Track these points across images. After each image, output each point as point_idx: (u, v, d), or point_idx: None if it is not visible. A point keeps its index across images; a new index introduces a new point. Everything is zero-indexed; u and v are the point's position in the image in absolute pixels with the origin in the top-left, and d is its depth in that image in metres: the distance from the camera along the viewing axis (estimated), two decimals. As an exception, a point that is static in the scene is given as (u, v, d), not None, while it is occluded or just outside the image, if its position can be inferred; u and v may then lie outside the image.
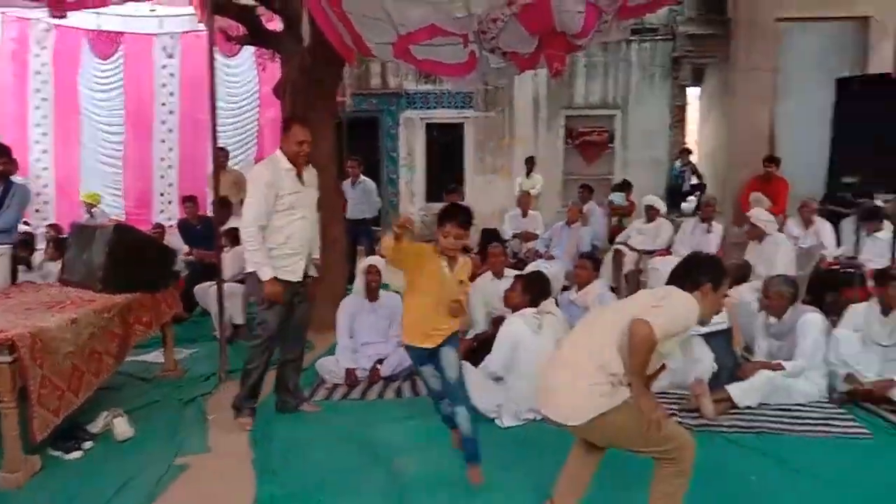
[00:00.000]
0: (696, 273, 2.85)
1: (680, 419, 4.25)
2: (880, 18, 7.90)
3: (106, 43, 10.47)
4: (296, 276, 4.20)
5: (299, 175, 4.15)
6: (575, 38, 5.41)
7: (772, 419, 4.27)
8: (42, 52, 10.44)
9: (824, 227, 6.98)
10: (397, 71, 12.26)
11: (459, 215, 3.38)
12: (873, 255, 6.33)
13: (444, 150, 12.84)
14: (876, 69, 7.80)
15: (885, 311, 4.63)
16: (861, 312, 4.79)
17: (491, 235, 8.32)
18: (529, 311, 4.40)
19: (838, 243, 6.94)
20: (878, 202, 6.55)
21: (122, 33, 10.33)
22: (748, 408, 4.40)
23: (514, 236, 8.68)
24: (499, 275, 5.85)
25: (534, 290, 4.49)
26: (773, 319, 4.82)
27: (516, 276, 4.92)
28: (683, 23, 11.51)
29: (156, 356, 5.63)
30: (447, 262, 3.41)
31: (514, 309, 4.56)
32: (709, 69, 14.16)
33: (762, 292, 4.90)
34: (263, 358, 4.26)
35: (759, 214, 6.49)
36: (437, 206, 11.79)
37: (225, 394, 4.90)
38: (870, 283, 5.58)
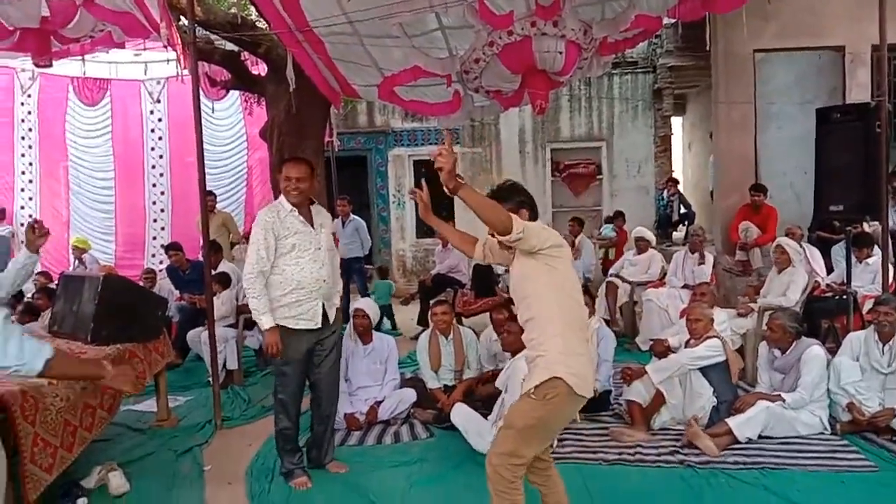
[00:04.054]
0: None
1: (683, 456, 4.22)
2: (852, 50, 8.07)
3: (92, 89, 10.55)
4: (313, 324, 3.95)
5: (305, 216, 3.98)
6: (556, 76, 5.49)
7: (775, 454, 4.23)
8: (27, 100, 10.48)
9: (814, 255, 7.02)
10: (384, 109, 12.35)
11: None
12: (864, 281, 6.36)
13: (434, 185, 12.80)
14: (855, 97, 7.94)
15: (884, 339, 4.63)
16: (860, 340, 4.79)
17: (483, 270, 8.32)
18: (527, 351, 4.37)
19: (828, 270, 6.98)
20: (867, 228, 6.60)
21: (108, 80, 10.39)
22: (750, 441, 4.38)
23: (507, 271, 8.66)
24: (445, 333, 5.45)
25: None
26: (777, 352, 4.82)
27: (508, 320, 4.91)
28: (663, 55, 11.71)
29: (149, 405, 5.53)
30: None
31: (514, 352, 4.52)
32: (690, 99, 14.42)
33: (767, 325, 4.91)
34: (289, 417, 4.03)
35: (789, 243, 6.45)
36: (427, 242, 12.01)
37: (220, 443, 4.83)
38: (865, 310, 5.62)
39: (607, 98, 12.31)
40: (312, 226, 3.97)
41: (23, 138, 10.53)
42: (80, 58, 6.89)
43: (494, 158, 12.62)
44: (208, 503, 3.91)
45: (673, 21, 6.17)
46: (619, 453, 4.33)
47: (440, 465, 4.27)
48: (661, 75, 11.91)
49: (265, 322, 3.84)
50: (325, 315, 4.00)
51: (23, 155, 10.55)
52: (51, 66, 6.14)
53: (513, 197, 3.00)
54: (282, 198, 3.99)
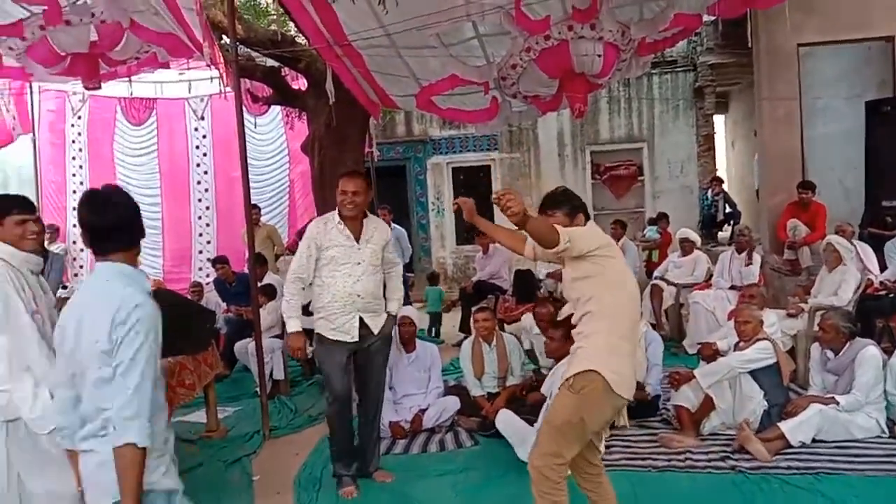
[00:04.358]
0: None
1: (734, 461, 4.14)
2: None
3: (139, 109, 10.84)
4: (349, 337, 3.96)
5: (354, 229, 3.99)
6: (595, 78, 5.44)
7: (830, 458, 4.12)
8: (77, 122, 10.84)
9: (866, 252, 6.81)
10: (422, 118, 12.43)
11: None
12: (920, 277, 6.16)
13: (472, 192, 12.88)
14: (906, 89, 7.72)
15: (942, 337, 4.48)
16: (916, 339, 4.65)
17: (525, 276, 8.29)
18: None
19: (882, 267, 6.77)
20: (921, 223, 6.40)
21: (154, 99, 10.67)
22: (803, 445, 4.27)
23: (549, 276, 8.63)
24: (488, 340, 5.44)
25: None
26: (829, 354, 4.69)
27: (552, 326, 4.87)
28: (703, 53, 11.54)
29: (199, 416, 5.65)
30: None
31: (559, 358, 4.49)
32: (733, 97, 14.16)
33: (819, 326, 4.79)
34: (340, 422, 4.09)
35: (840, 241, 6.30)
36: (468, 249, 12.01)
37: (269, 452, 4.90)
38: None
39: (647, 98, 12.18)
40: (358, 240, 3.99)
41: (73, 158, 10.88)
42: (126, 79, 7.10)
43: (533, 163, 12.59)
44: (259, 513, 3.98)
45: (713, 18, 6.09)
46: (669, 459, 4.27)
47: (485, 473, 4.27)
48: (701, 73, 11.74)
49: (291, 325, 4.00)
50: (366, 326, 4.02)
51: (73, 175, 10.90)
52: (100, 88, 6.31)
53: (566, 203, 3.06)
54: (334, 212, 4.05)
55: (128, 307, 2.07)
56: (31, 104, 10.00)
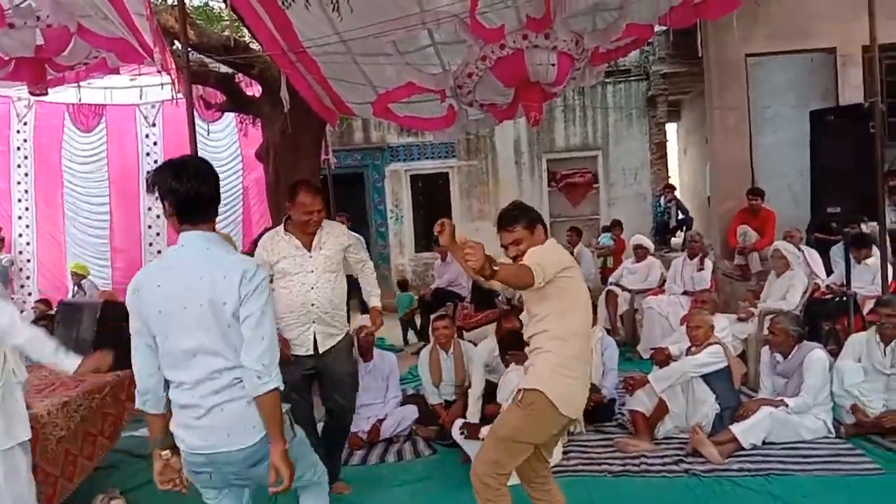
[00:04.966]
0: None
1: (688, 465, 4.20)
2: (844, 51, 8.10)
3: (88, 115, 10.56)
4: (303, 349, 3.82)
5: (304, 239, 3.84)
6: (550, 87, 5.49)
7: (780, 459, 4.22)
8: (24, 128, 10.50)
9: (813, 257, 7.01)
10: (379, 125, 12.39)
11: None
12: (864, 282, 6.34)
13: (431, 200, 12.90)
14: (848, 98, 7.97)
15: (886, 340, 4.62)
16: (862, 341, 4.78)
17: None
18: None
19: (828, 272, 6.97)
20: (865, 229, 6.59)
21: (104, 105, 10.41)
22: (754, 447, 4.36)
23: (506, 283, 8.65)
24: (446, 347, 5.40)
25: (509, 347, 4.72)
26: (779, 357, 4.80)
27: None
28: (656, 62, 11.75)
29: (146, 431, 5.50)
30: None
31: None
32: (685, 105, 14.47)
33: (769, 329, 4.90)
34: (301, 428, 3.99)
35: (787, 247, 6.46)
36: (426, 256, 12.00)
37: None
38: (866, 311, 5.60)
39: (601, 107, 12.36)
40: (309, 248, 3.86)
41: (19, 166, 10.54)
42: (75, 84, 6.92)
43: (491, 170, 12.65)
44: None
45: (664, 28, 6.20)
46: (624, 464, 4.32)
47: (444, 482, 4.26)
48: (654, 82, 11.95)
49: None
50: (318, 340, 3.84)
51: (18, 182, 10.55)
52: (46, 94, 6.14)
53: (523, 217, 3.02)
54: (280, 226, 3.93)
55: (252, 268, 2.28)
56: (-26, 110, 9.68)
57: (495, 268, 2.62)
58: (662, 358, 5.16)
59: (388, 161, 12.71)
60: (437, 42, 5.31)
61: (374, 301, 4.21)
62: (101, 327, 4.46)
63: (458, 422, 4.65)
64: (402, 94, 5.82)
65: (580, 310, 2.95)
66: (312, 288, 3.81)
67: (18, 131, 10.50)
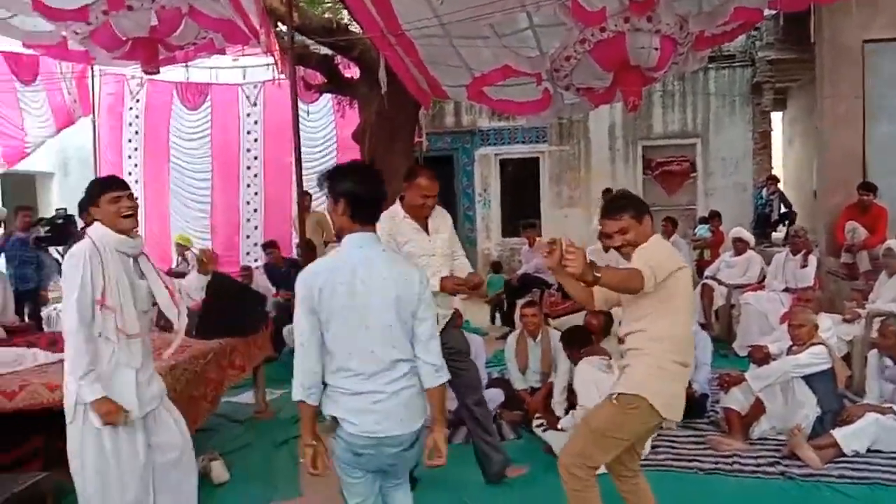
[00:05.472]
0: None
1: (784, 467, 4.05)
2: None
3: (194, 94, 11.05)
4: None
5: (421, 223, 3.87)
6: (651, 72, 5.33)
7: (885, 468, 3.99)
8: (136, 105, 11.10)
9: (930, 256, 6.56)
10: (471, 109, 12.40)
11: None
12: None
13: (520, 185, 12.84)
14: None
15: None
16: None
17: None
18: (594, 357, 4.49)
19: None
20: None
21: (209, 84, 10.86)
22: (857, 454, 4.14)
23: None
24: (534, 335, 5.39)
25: (572, 344, 4.72)
26: (888, 361, 4.55)
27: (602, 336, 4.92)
28: (763, 48, 11.23)
29: (248, 397, 5.76)
30: None
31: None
32: (792, 94, 13.76)
33: (880, 332, 4.65)
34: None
35: None
36: (513, 241, 11.96)
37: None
38: None
39: (702, 93, 11.94)
40: (427, 232, 3.89)
41: (129, 141, 11.17)
42: (183, 64, 7.23)
43: (583, 156, 12.46)
44: (304, 493, 4.04)
45: (774, 12, 5.92)
46: (716, 462, 4.20)
47: (529, 466, 4.25)
48: (760, 69, 11.44)
49: None
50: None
51: (129, 157, 11.19)
52: (158, 72, 6.45)
53: (631, 206, 2.93)
54: (396, 206, 3.90)
55: (423, 272, 2.58)
56: (92, 88, 10.27)
57: (597, 274, 2.55)
58: (761, 356, 4.96)
59: (479, 145, 12.71)
60: (535, 25, 5.25)
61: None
62: (209, 297, 4.67)
63: (537, 420, 4.67)
64: (497, 76, 5.79)
65: (683, 312, 2.85)
66: (435, 273, 3.78)
67: (130, 108, 11.12)
